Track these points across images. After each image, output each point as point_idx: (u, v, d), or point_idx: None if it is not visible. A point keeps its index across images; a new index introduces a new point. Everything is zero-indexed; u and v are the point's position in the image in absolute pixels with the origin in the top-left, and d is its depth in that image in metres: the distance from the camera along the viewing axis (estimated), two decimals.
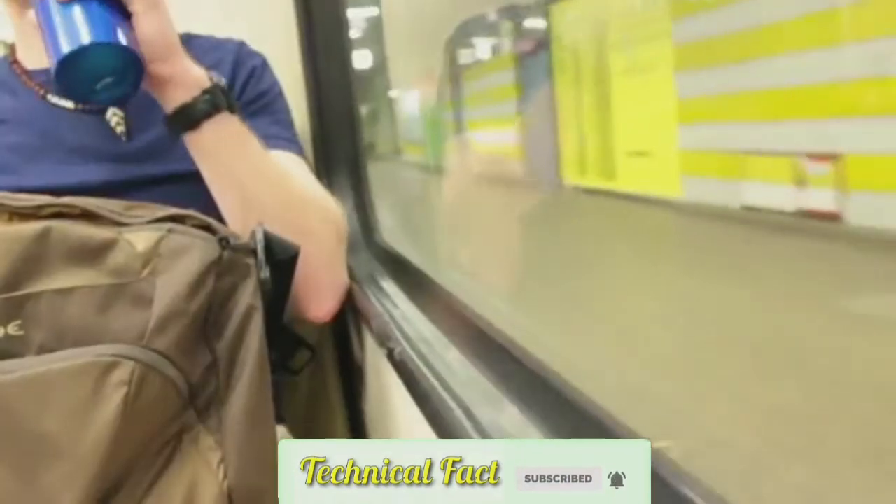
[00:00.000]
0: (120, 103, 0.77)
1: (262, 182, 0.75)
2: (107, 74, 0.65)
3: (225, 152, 0.73)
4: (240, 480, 0.61)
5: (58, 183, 0.74)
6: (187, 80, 0.71)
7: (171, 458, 0.61)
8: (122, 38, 0.65)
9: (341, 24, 1.22)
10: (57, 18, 0.64)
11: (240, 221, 0.74)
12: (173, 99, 0.71)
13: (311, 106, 1.23)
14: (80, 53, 0.63)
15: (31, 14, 0.68)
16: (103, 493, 0.58)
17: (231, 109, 0.73)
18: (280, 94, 0.90)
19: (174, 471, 0.60)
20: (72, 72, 0.64)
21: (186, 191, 0.78)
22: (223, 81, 0.73)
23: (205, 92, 0.71)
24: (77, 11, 0.64)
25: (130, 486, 0.59)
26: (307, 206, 0.78)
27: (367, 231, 1.15)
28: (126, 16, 0.67)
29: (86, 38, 0.63)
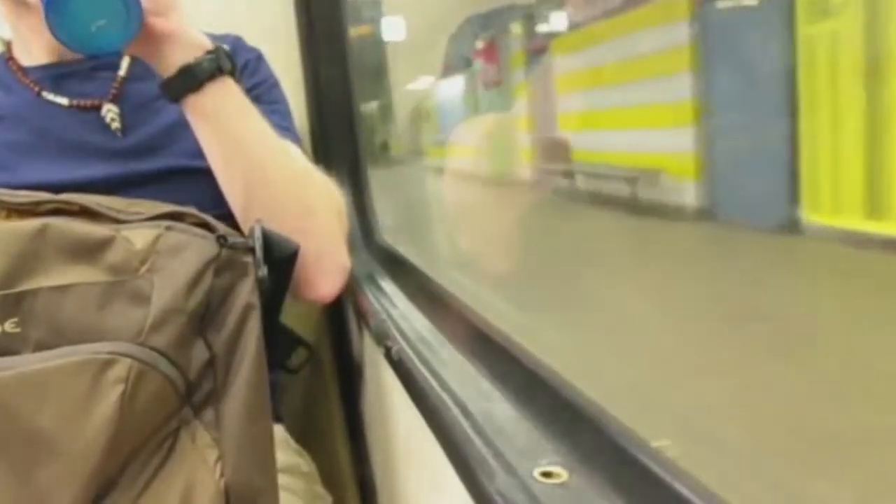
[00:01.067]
0: (116, 53, 0.74)
1: (266, 150, 0.74)
2: (101, 14, 0.63)
3: (228, 116, 0.72)
4: (237, 478, 0.61)
5: (53, 179, 0.74)
6: (189, 39, 0.69)
7: (168, 455, 0.61)
8: None
9: (341, 23, 1.22)
10: None
11: (242, 194, 0.73)
12: (174, 59, 0.69)
13: (310, 106, 1.23)
14: None
15: None
16: (100, 490, 0.58)
17: (233, 75, 0.71)
18: (276, 85, 0.90)
19: (171, 468, 0.60)
20: (63, 6, 0.62)
21: (183, 186, 0.78)
22: (226, 47, 0.72)
23: (208, 52, 0.70)
24: None
25: (127, 483, 0.59)
26: (310, 181, 0.77)
27: (366, 231, 1.15)
28: None
29: None
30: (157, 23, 0.67)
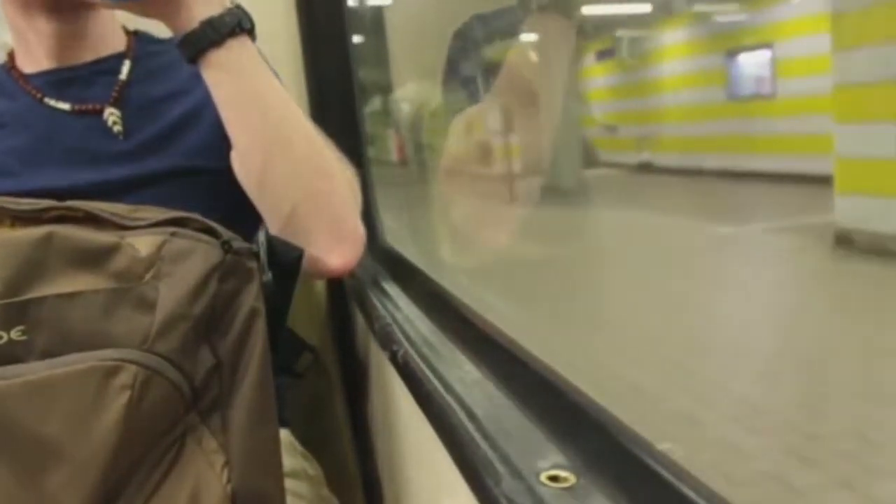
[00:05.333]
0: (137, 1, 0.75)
1: (284, 108, 0.74)
2: None
3: (248, 72, 0.72)
4: (244, 483, 0.61)
5: (57, 185, 0.74)
6: None
7: (175, 461, 0.61)
8: None
9: (342, 19, 1.22)
10: None
11: (260, 154, 0.73)
12: (196, 12, 0.70)
13: (312, 105, 1.23)
14: None
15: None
16: (106, 497, 0.58)
17: (251, 34, 0.72)
18: (276, 76, 0.90)
19: (177, 474, 0.60)
20: None
21: (186, 187, 0.78)
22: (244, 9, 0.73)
23: (229, 9, 0.71)
24: None
25: (133, 490, 0.59)
26: (325, 145, 0.77)
27: (370, 234, 1.14)
28: None
29: None
30: None
